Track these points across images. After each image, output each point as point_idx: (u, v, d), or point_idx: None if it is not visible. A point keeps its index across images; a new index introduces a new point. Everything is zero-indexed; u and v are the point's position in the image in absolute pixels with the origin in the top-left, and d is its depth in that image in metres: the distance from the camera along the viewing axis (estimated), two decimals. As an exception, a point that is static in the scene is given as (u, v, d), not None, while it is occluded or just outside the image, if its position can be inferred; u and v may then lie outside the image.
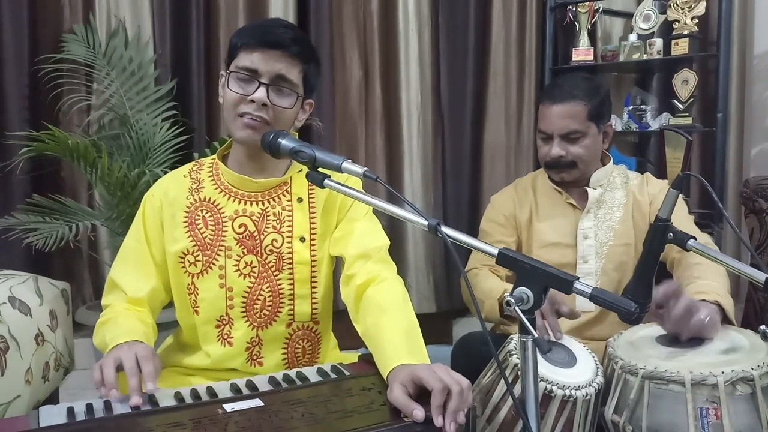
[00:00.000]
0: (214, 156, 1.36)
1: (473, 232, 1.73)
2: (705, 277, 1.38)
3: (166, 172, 1.64)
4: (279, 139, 1.08)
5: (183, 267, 1.28)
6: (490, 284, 1.54)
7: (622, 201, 1.66)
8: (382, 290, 1.20)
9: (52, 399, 1.65)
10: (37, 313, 1.52)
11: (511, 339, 1.24)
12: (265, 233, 1.27)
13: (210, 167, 1.33)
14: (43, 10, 2.47)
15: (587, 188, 1.66)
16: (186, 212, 1.29)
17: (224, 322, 1.28)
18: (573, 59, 2.72)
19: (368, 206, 1.26)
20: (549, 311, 1.33)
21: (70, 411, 0.97)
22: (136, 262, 1.30)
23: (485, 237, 1.72)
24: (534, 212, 1.71)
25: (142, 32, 2.53)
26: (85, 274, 2.61)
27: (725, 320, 1.32)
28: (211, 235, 1.27)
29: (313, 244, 1.29)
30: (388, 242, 1.31)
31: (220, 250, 1.26)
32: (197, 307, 1.28)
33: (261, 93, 1.21)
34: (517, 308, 0.83)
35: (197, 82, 2.58)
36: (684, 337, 1.24)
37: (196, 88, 2.58)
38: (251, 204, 1.28)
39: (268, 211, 1.28)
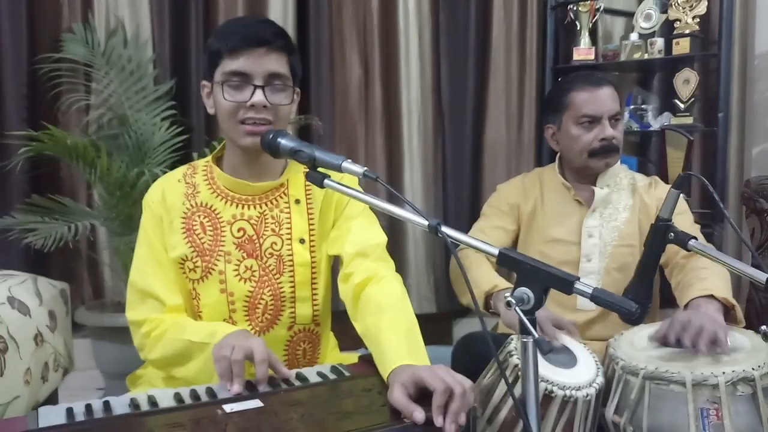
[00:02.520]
0: (208, 159, 1.34)
1: (473, 231, 1.73)
2: (711, 279, 1.38)
3: (165, 172, 1.63)
4: (279, 139, 1.07)
5: (183, 273, 1.27)
6: (480, 273, 1.52)
7: (629, 202, 1.65)
8: (380, 289, 1.20)
9: (52, 399, 1.65)
10: (36, 313, 1.52)
11: (512, 339, 1.24)
12: (264, 236, 1.26)
13: (205, 171, 1.31)
14: (41, 10, 2.47)
15: (594, 187, 1.65)
16: (183, 218, 1.27)
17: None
18: (574, 58, 2.71)
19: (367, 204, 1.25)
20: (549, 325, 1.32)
21: (69, 411, 0.97)
22: (160, 269, 1.26)
23: (485, 220, 1.72)
24: (539, 206, 1.70)
25: (141, 32, 2.53)
26: (84, 275, 2.61)
27: (731, 319, 1.32)
28: (209, 240, 1.25)
29: (313, 246, 1.29)
30: (386, 239, 1.30)
31: (220, 255, 1.25)
32: (200, 312, 1.27)
33: (259, 96, 1.18)
34: (517, 308, 0.83)
35: (196, 82, 2.57)
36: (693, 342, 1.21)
37: (194, 87, 2.57)
38: (248, 207, 1.27)
39: (266, 214, 1.27)
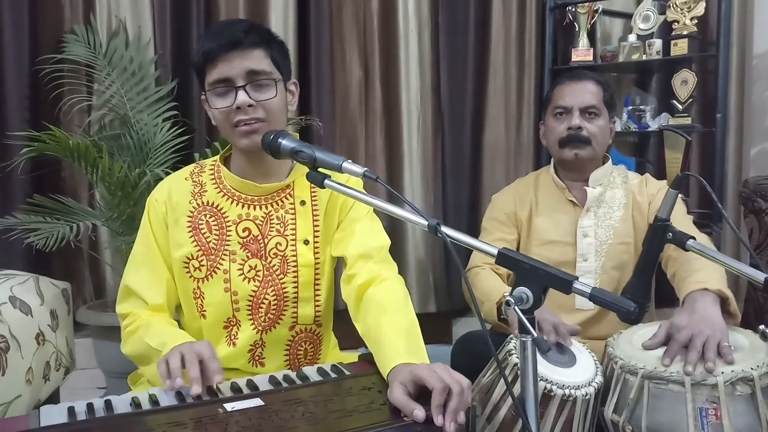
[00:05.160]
0: (215, 158, 1.35)
1: (473, 232, 1.73)
2: (704, 270, 1.38)
3: (167, 173, 1.64)
4: (279, 140, 1.08)
5: (188, 272, 1.28)
6: (490, 285, 1.54)
7: (623, 200, 1.67)
8: (382, 290, 1.21)
9: (53, 398, 1.66)
10: (37, 312, 1.53)
11: (511, 338, 1.25)
12: (269, 237, 1.27)
13: (212, 170, 1.32)
14: (43, 11, 2.47)
15: (586, 187, 1.66)
16: (189, 217, 1.28)
17: (232, 323, 1.28)
18: (572, 60, 2.72)
19: (369, 206, 1.26)
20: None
21: (71, 410, 0.98)
22: (150, 269, 1.29)
23: (486, 234, 1.73)
24: (534, 209, 1.71)
25: (143, 32, 2.53)
26: (86, 274, 2.61)
27: (726, 311, 1.31)
28: (215, 239, 1.26)
29: (317, 247, 1.30)
30: (389, 242, 1.31)
31: (225, 255, 1.26)
32: (204, 311, 1.28)
33: (242, 97, 1.19)
34: (516, 308, 0.83)
35: (198, 83, 2.57)
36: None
37: (196, 88, 2.57)
38: (254, 208, 1.28)
39: (272, 215, 1.28)
